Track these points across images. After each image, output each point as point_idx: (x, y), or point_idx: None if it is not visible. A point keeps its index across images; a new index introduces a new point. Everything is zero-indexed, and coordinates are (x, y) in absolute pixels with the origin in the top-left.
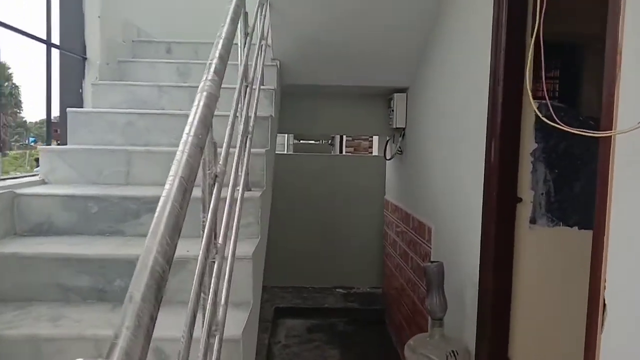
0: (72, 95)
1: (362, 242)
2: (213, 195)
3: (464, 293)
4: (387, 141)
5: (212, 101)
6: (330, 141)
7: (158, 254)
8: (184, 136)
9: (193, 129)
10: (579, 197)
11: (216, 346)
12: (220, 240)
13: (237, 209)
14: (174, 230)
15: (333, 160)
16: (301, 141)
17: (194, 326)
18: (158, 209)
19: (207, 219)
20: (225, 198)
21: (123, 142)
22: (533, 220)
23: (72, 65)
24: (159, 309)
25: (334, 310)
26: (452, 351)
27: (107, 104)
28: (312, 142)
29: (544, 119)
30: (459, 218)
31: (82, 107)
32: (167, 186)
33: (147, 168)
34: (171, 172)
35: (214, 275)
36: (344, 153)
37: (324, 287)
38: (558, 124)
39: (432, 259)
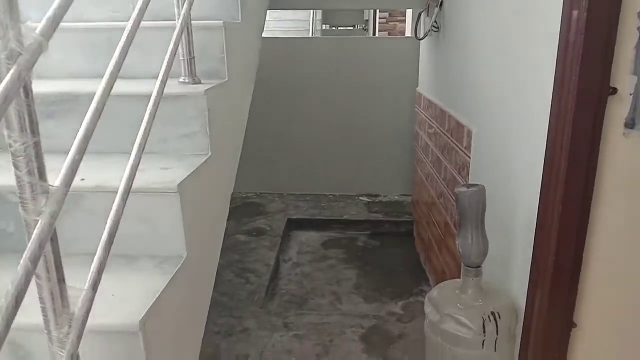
0: None
1: (390, 143)
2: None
3: (514, 228)
4: (420, 14)
5: None
6: (364, 26)
7: None
8: None
9: None
10: None
11: (67, 352)
12: (58, 180)
13: (147, 114)
14: None
15: (355, 43)
16: (332, 27)
17: None
18: None
19: None
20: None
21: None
22: (631, 123)
23: None
24: None
25: (354, 222)
26: (492, 313)
27: None
28: (345, 27)
29: None
30: (514, 118)
31: None
32: None
33: (64, 54)
34: None
35: (33, 240)
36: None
37: (345, 194)
38: None
39: (470, 176)
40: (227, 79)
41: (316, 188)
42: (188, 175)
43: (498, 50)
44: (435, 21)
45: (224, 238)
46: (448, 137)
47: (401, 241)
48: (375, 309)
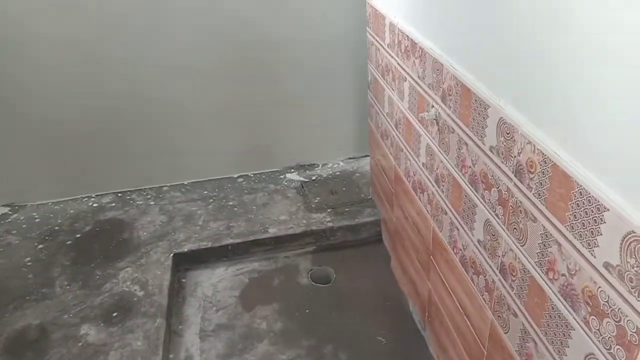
0: None
1: (324, 82)
2: None
3: None
4: None
5: None
6: None
7: None
8: None
9: None
10: None
11: None
12: None
13: None
14: None
15: None
16: None
17: None
18: None
19: None
20: None
21: None
22: None
23: None
24: None
25: (287, 238)
26: None
27: None
28: None
29: None
30: None
31: None
32: None
33: None
34: None
35: None
36: None
37: (264, 172)
38: None
39: None
40: None
41: (215, 170)
42: None
43: None
44: None
45: None
46: (489, 157)
47: (367, 258)
48: None
